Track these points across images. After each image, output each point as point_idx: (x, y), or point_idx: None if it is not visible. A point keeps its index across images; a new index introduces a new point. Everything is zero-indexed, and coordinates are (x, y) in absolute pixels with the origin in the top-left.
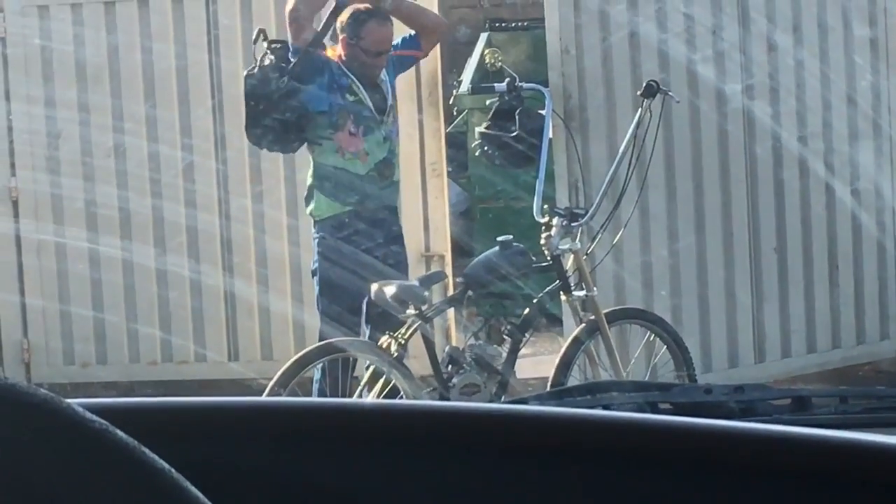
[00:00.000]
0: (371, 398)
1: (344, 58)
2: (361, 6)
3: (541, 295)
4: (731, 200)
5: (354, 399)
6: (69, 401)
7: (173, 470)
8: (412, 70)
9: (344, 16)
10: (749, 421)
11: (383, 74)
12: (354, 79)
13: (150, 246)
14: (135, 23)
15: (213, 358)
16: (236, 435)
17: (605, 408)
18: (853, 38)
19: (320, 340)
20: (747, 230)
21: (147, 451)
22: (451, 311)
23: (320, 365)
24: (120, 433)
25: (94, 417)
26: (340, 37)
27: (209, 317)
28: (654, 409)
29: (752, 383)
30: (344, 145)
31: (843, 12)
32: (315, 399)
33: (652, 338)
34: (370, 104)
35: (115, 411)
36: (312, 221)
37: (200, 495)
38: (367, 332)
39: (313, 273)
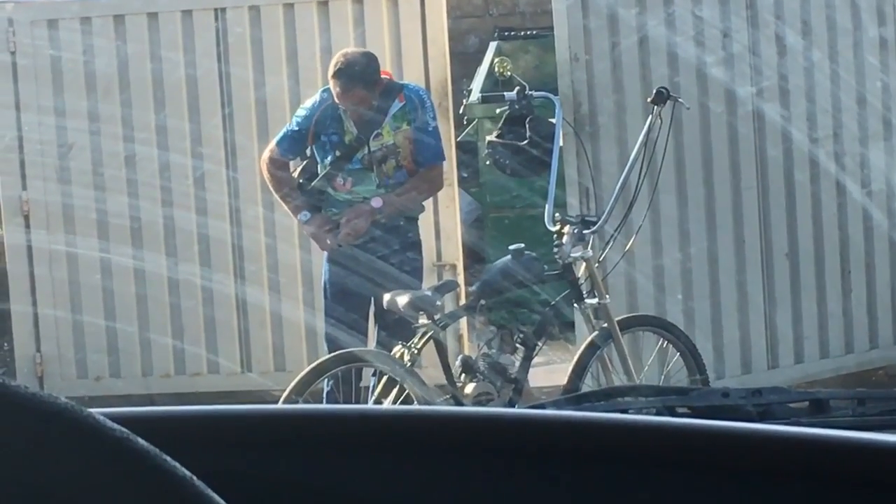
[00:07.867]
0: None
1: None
2: (344, 55)
3: (553, 303)
4: (743, 204)
5: (373, 405)
6: (89, 410)
7: (195, 477)
8: (422, 80)
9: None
10: (767, 424)
11: (391, 127)
12: (351, 123)
13: (163, 255)
14: (144, 33)
15: (226, 369)
16: (256, 443)
17: (623, 412)
18: (865, 38)
19: (327, 344)
20: (759, 235)
21: (168, 458)
22: (463, 320)
23: (336, 374)
24: (141, 441)
25: (115, 426)
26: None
27: (222, 326)
28: (672, 413)
29: (769, 386)
30: (337, 188)
31: (854, 12)
32: (335, 406)
33: (665, 344)
34: (360, 154)
35: (134, 420)
36: None
37: (222, 502)
38: (377, 339)
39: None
